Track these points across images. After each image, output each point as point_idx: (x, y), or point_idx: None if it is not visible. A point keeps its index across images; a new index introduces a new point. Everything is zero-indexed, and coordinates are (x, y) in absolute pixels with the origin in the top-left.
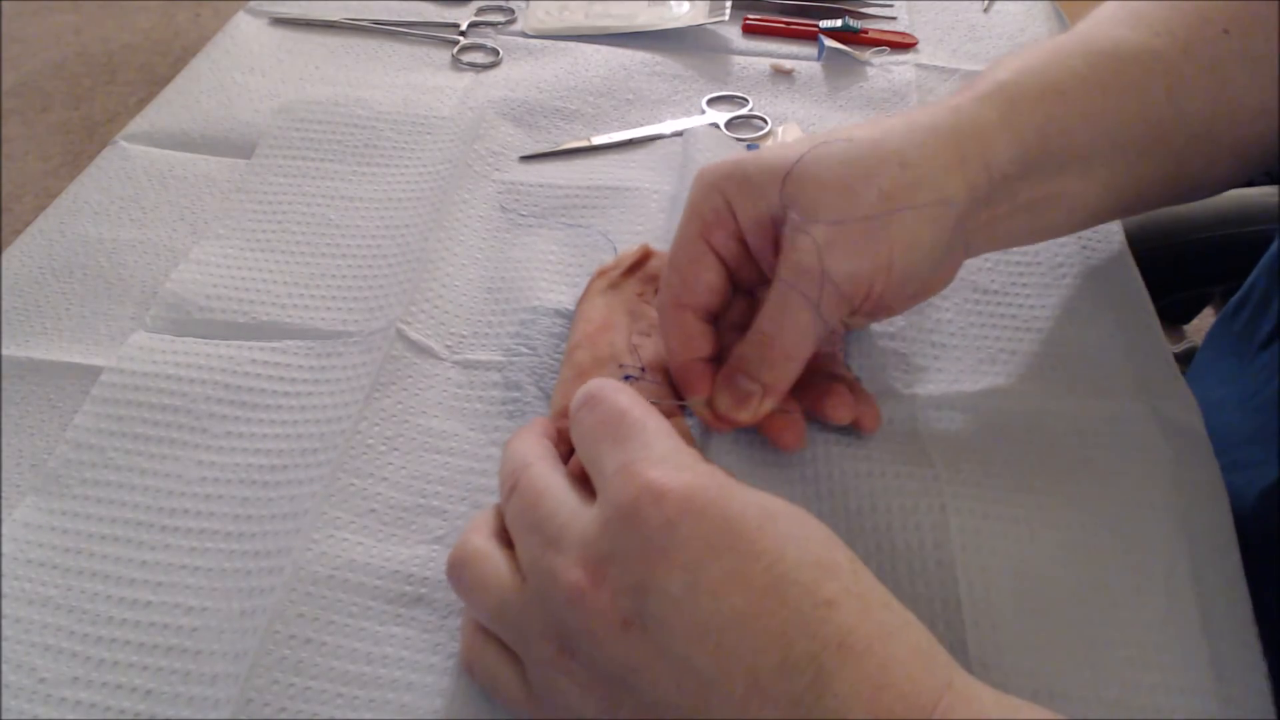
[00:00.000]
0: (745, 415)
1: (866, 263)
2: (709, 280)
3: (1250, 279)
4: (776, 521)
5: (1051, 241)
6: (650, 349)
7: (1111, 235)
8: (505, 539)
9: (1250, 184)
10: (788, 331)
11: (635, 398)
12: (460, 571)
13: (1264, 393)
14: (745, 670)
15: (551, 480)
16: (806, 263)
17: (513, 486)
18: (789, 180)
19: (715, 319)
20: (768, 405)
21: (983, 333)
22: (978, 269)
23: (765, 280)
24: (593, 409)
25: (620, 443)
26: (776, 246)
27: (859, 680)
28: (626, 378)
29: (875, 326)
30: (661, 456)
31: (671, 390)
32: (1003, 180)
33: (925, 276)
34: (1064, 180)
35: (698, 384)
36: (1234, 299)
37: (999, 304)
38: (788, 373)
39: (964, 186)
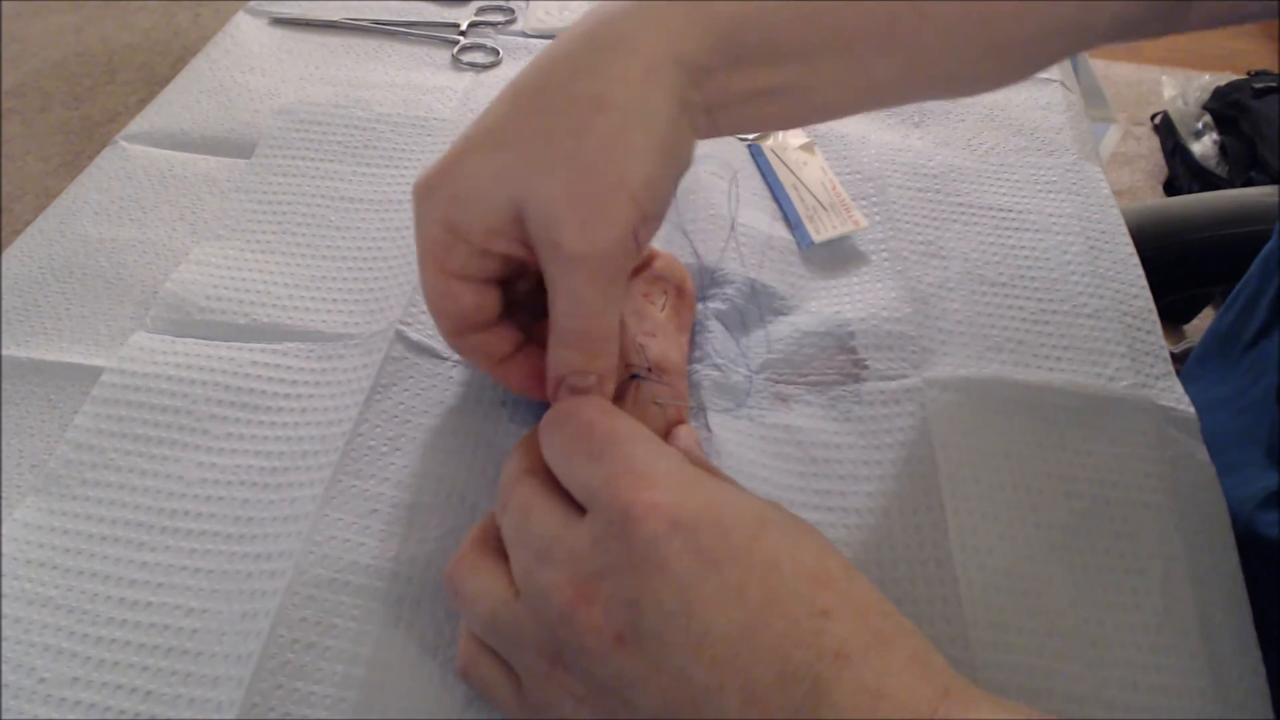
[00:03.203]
0: (598, 400)
1: (614, 222)
2: (467, 305)
3: (1242, 280)
4: (769, 531)
5: (1058, 239)
6: (656, 349)
7: (1117, 235)
8: (501, 551)
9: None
10: (586, 319)
11: (604, 408)
12: (455, 584)
13: (1250, 393)
14: (742, 683)
15: (543, 495)
16: (561, 243)
17: (505, 501)
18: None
19: (508, 304)
20: (610, 385)
21: (990, 322)
22: (985, 263)
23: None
24: (560, 426)
25: (598, 457)
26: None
27: (856, 689)
28: (633, 377)
29: (883, 313)
30: (646, 468)
31: (679, 391)
32: (705, 73)
33: (671, 179)
34: (782, 74)
35: (532, 388)
36: (1226, 300)
37: (1005, 296)
38: (610, 351)
39: (668, 89)
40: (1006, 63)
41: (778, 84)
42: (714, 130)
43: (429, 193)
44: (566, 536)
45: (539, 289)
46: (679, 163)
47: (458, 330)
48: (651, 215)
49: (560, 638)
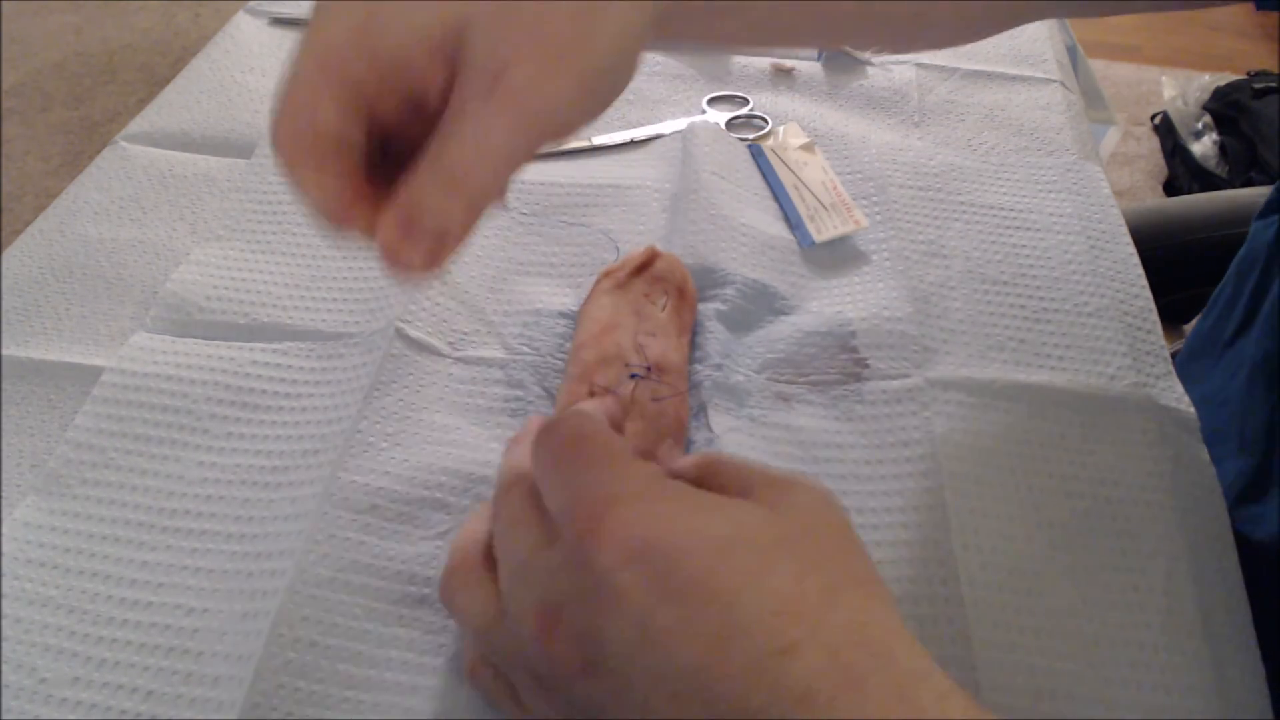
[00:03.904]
0: (423, 261)
1: (569, 83)
2: (331, 129)
3: (1221, 283)
4: (733, 556)
5: (1059, 238)
6: (656, 349)
7: (1117, 234)
8: (492, 559)
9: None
10: (483, 166)
11: (593, 423)
12: (448, 596)
13: (1229, 388)
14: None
15: (527, 509)
16: (506, 80)
17: (496, 510)
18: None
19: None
20: (451, 248)
21: (991, 322)
22: (986, 262)
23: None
24: (545, 440)
25: (568, 476)
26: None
27: None
28: (633, 376)
29: (885, 313)
30: (612, 489)
31: (680, 391)
32: None
33: (621, 73)
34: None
35: (353, 217)
36: (1208, 303)
37: (1006, 295)
38: (477, 207)
39: None
40: (967, 13)
41: (740, 6)
42: (660, 32)
43: (353, 49)
44: (539, 559)
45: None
46: (632, 57)
47: (306, 157)
48: (596, 99)
49: (535, 661)
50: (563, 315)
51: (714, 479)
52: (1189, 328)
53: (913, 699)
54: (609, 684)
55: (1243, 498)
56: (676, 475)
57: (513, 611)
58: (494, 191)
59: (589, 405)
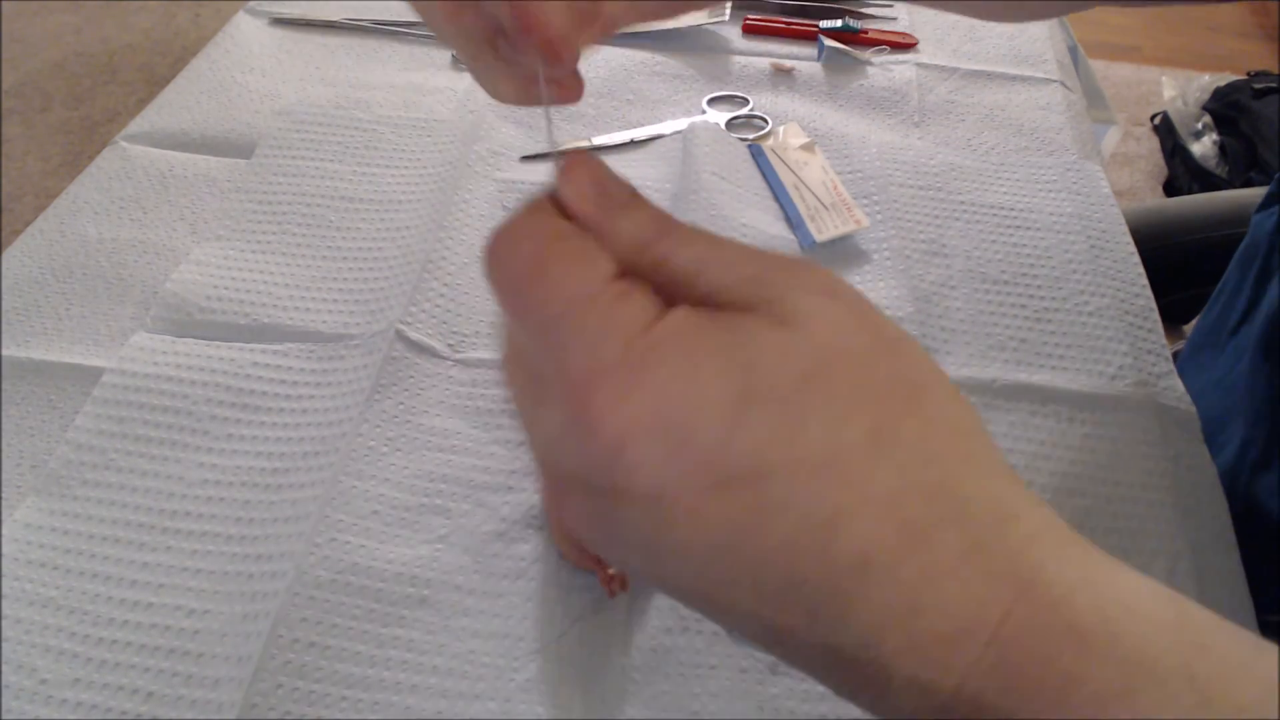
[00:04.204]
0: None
1: None
2: None
3: (1224, 277)
4: (749, 418)
5: (1059, 238)
6: None
7: (1118, 234)
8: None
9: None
10: None
11: (542, 246)
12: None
13: (1235, 370)
14: (750, 584)
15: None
16: None
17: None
18: None
19: None
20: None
21: (992, 321)
22: (987, 261)
23: None
24: (499, 273)
25: (535, 331)
26: None
27: (885, 604)
28: None
29: (886, 312)
30: (589, 363)
31: None
32: None
33: None
34: None
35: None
36: (1211, 297)
37: (1007, 294)
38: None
39: None
40: None
41: None
42: None
43: None
44: (538, 417)
45: None
46: None
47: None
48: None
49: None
50: None
51: (696, 282)
52: (1189, 328)
53: (991, 548)
54: (634, 557)
55: (1266, 464)
56: (654, 272)
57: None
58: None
59: (541, 206)
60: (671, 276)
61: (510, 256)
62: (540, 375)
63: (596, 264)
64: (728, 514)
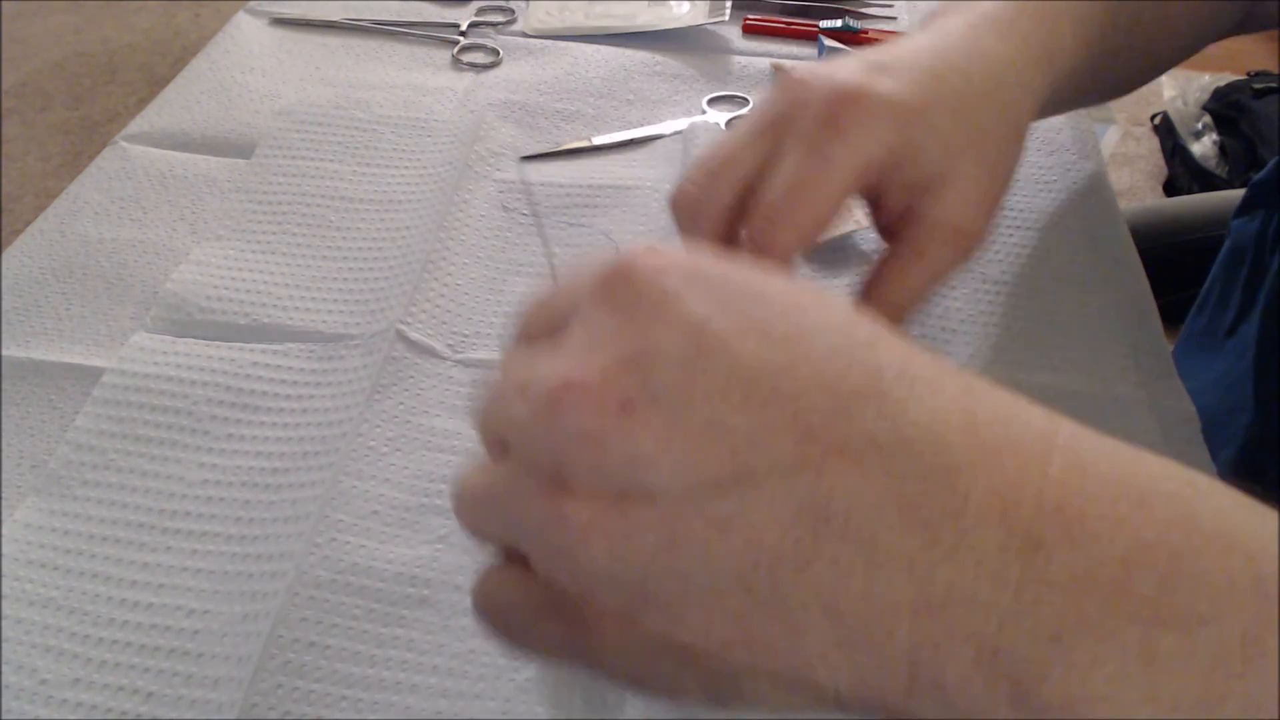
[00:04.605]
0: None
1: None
2: (828, 210)
3: (1208, 281)
4: (777, 281)
5: (1060, 238)
6: None
7: (1118, 234)
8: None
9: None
10: (931, 282)
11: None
12: (456, 503)
13: (1236, 369)
14: (790, 416)
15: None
16: (951, 220)
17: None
18: (914, 122)
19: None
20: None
21: (991, 321)
22: (988, 261)
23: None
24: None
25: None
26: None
27: (940, 407)
28: None
29: None
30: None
31: None
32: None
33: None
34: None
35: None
36: (1197, 302)
37: (1007, 295)
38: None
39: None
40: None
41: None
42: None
43: (871, 117)
44: (550, 344)
45: None
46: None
47: (808, 232)
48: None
49: (555, 444)
50: None
51: None
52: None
53: (1019, 398)
54: (659, 415)
55: (1262, 462)
56: None
57: (517, 409)
58: (916, 303)
59: None
60: None
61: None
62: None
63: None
64: (770, 331)
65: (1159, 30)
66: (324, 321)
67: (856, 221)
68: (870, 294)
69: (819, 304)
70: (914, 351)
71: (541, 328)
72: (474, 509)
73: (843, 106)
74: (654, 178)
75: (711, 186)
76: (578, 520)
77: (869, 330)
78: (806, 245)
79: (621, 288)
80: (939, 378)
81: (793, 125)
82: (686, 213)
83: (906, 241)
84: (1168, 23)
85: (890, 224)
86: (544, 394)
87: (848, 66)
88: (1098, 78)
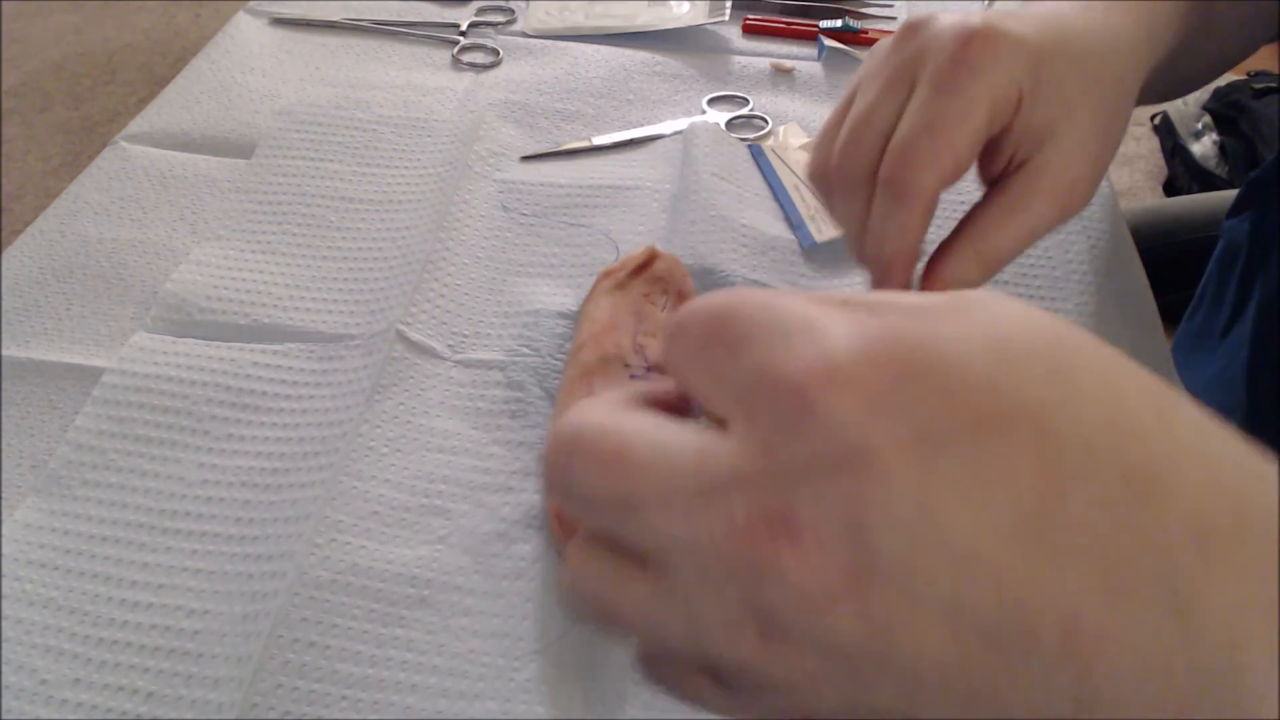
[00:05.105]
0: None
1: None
2: (966, 157)
3: (1202, 282)
4: (1014, 368)
5: (1061, 239)
6: (656, 349)
7: (1119, 234)
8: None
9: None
10: (1010, 242)
11: (751, 292)
12: (598, 608)
13: (1232, 368)
14: (1057, 601)
15: (632, 423)
16: (1061, 172)
17: (566, 462)
18: (1042, 64)
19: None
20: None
21: None
22: None
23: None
24: (688, 325)
25: (739, 348)
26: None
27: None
28: (633, 377)
29: None
30: (813, 347)
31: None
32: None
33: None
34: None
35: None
36: (1192, 302)
37: (1009, 295)
38: (991, 272)
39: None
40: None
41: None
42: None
43: (1003, 53)
44: (713, 458)
45: None
46: None
47: (949, 172)
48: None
49: (763, 601)
50: (562, 316)
51: None
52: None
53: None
54: (889, 595)
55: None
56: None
57: (683, 551)
58: (1008, 259)
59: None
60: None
61: (697, 311)
62: (733, 401)
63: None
64: (1018, 474)
65: (1219, 29)
66: (324, 321)
67: None
68: (963, 243)
69: (1073, 404)
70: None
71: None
72: (601, 612)
73: (975, 43)
74: (654, 178)
75: (856, 148)
76: (793, 667)
77: (1162, 444)
78: (947, 186)
79: (814, 422)
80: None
81: (923, 66)
82: (837, 182)
83: (1011, 191)
84: (1226, 21)
85: (997, 172)
86: (740, 554)
87: (969, 11)
88: (1171, 75)
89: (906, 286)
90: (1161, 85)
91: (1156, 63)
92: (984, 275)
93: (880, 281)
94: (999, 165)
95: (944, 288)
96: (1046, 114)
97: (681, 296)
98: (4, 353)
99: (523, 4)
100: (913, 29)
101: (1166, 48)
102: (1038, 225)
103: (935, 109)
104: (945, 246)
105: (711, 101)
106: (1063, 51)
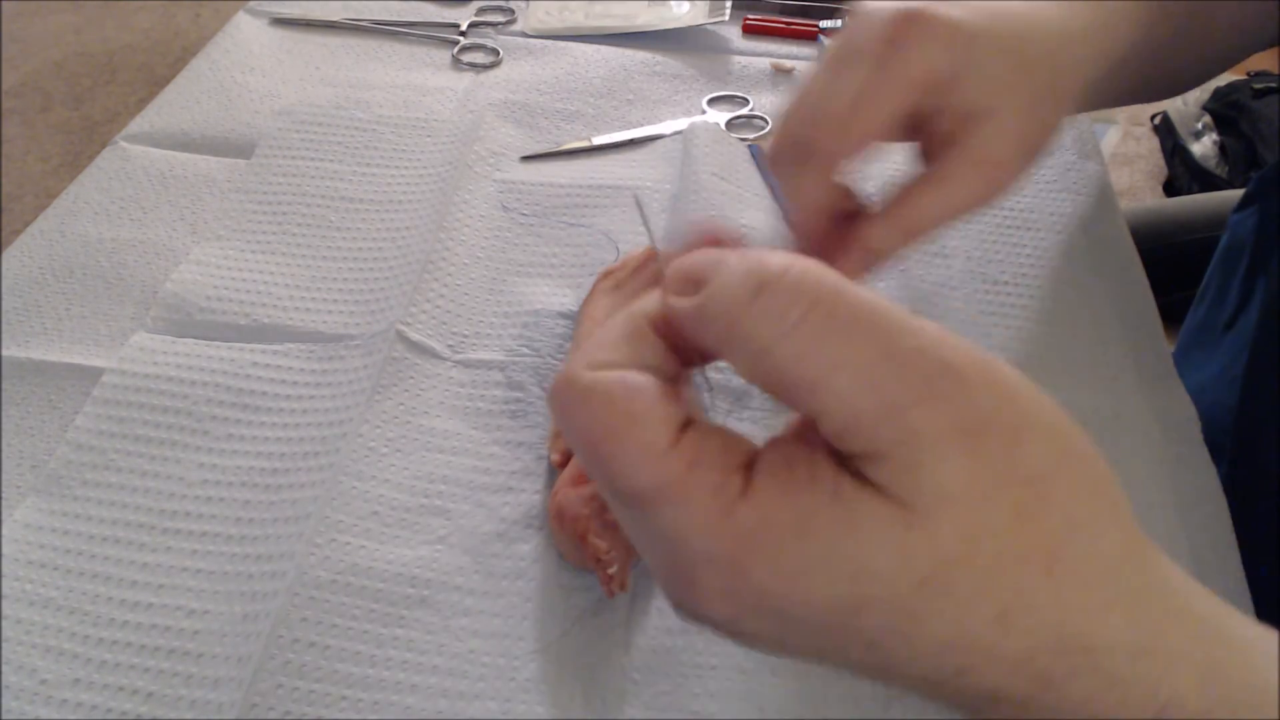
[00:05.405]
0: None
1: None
2: (883, 122)
3: (1206, 276)
4: (861, 615)
5: (1060, 238)
6: None
7: (1118, 234)
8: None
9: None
10: (935, 214)
11: (613, 417)
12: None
13: (1234, 365)
14: (881, 678)
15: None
16: (984, 150)
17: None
18: (971, 46)
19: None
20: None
21: (992, 321)
22: (988, 261)
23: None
24: (573, 434)
25: (620, 506)
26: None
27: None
28: None
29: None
30: (688, 551)
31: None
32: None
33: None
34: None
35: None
36: (1196, 297)
37: (1008, 295)
38: (916, 244)
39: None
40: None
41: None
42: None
43: (929, 35)
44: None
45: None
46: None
47: (864, 140)
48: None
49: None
50: (562, 316)
51: (812, 398)
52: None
53: (1127, 686)
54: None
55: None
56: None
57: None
58: (927, 230)
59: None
60: (789, 387)
61: (572, 422)
62: (624, 514)
63: (658, 438)
64: (852, 662)
65: (1212, 29)
66: (324, 322)
67: None
68: (886, 211)
69: (906, 649)
70: (1013, 671)
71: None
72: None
73: (903, 24)
74: (654, 178)
75: (793, 122)
76: None
77: (954, 667)
78: (859, 154)
79: (699, 618)
80: (1031, 696)
81: (861, 45)
82: (775, 155)
83: (938, 168)
84: (1220, 22)
85: (931, 151)
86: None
87: None
88: (1153, 73)
89: (817, 250)
90: (1137, 88)
91: (1119, 57)
92: (902, 244)
93: (798, 245)
94: (935, 144)
95: (863, 252)
96: (978, 95)
97: None
98: (4, 353)
99: (523, 4)
100: (857, 16)
101: (1128, 43)
102: (960, 201)
103: (861, 82)
104: (870, 215)
105: (711, 101)
106: (997, 35)
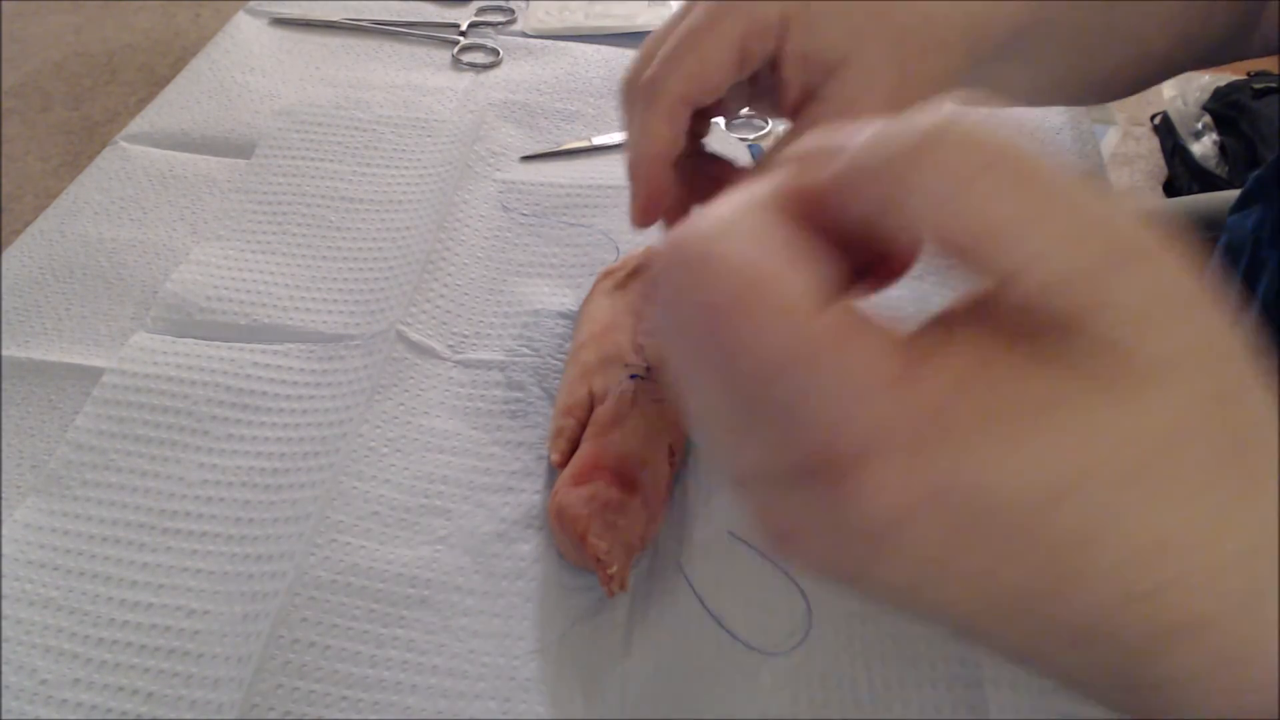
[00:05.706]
0: None
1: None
2: (720, 80)
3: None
4: (1065, 503)
5: None
6: (656, 350)
7: None
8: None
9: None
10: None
11: (750, 269)
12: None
13: None
14: (1031, 629)
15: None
16: (845, 98)
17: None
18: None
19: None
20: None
21: None
22: None
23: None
24: (679, 307)
25: (755, 387)
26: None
27: (1208, 657)
28: (632, 377)
29: (886, 312)
30: (855, 434)
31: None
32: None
33: None
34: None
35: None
36: None
37: None
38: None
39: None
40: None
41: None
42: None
43: None
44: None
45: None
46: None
47: (694, 83)
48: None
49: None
50: (562, 316)
51: (1003, 259)
52: None
53: None
54: (881, 593)
55: None
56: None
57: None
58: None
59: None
60: (978, 239)
61: (687, 289)
62: (744, 409)
63: (803, 300)
64: (1021, 582)
65: (1140, 19)
66: (324, 322)
67: None
68: (755, 170)
69: (1105, 532)
70: (1209, 588)
71: None
72: None
73: None
74: None
75: (639, 63)
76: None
77: (1153, 582)
78: (698, 96)
79: (849, 513)
80: (1226, 628)
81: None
82: (622, 97)
83: (799, 120)
84: (1150, 12)
85: (794, 102)
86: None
87: None
88: (1085, 64)
89: (657, 196)
90: (1091, 74)
91: (1017, 23)
92: None
93: (635, 193)
94: (792, 95)
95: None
96: (829, 42)
97: None
98: (4, 353)
99: (523, 4)
100: None
101: (1026, 10)
102: None
103: (692, 25)
104: (738, 171)
105: None
106: None
